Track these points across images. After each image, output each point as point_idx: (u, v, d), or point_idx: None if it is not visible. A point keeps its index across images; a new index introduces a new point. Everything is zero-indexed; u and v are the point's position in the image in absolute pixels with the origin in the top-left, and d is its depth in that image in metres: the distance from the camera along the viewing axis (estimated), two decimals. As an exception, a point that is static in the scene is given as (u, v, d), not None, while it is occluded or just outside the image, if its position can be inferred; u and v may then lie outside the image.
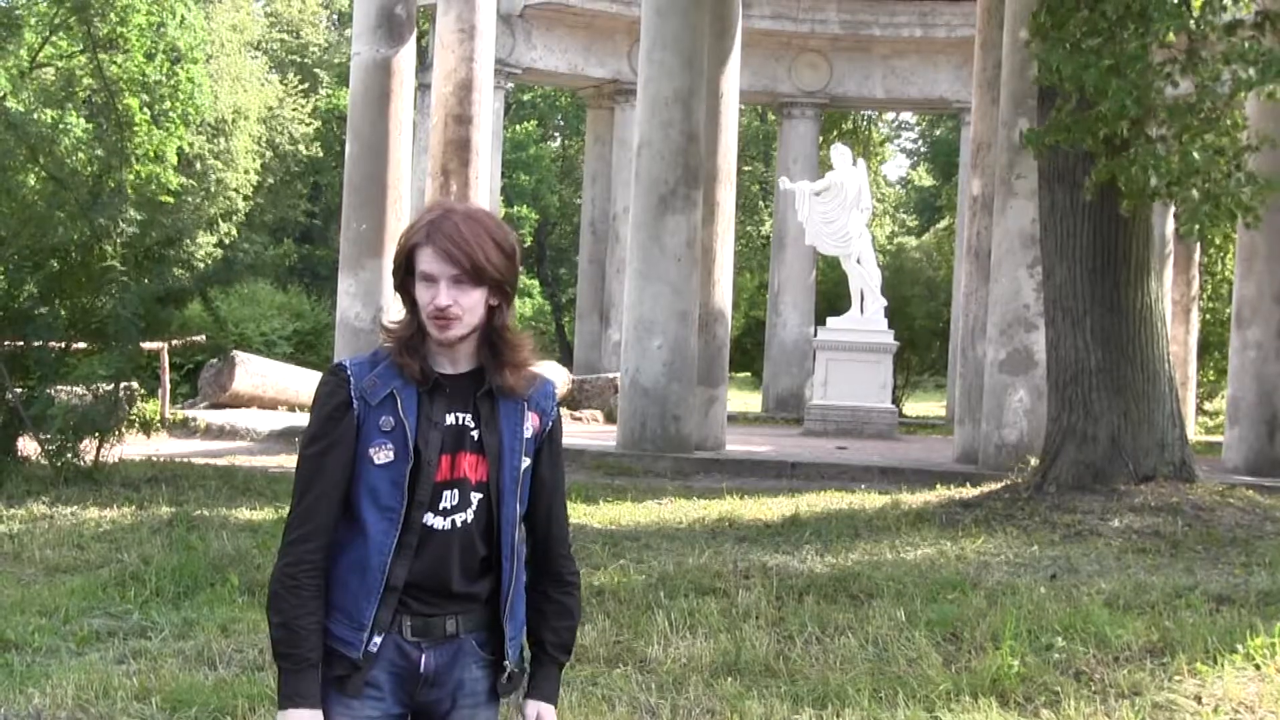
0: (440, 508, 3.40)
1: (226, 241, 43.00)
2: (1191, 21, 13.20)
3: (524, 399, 3.51)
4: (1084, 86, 13.26)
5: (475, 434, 3.45)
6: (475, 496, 3.44)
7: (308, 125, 47.65)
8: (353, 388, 3.38)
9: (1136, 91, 12.90)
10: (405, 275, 3.41)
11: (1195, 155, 13.07)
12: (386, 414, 3.37)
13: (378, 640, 3.38)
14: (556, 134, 62.68)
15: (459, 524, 3.42)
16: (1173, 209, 14.15)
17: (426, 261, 3.34)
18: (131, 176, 18.76)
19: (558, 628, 3.64)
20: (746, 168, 51.84)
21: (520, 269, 3.47)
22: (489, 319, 3.42)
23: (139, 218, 16.24)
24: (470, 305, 3.34)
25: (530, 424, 3.53)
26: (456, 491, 3.42)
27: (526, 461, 3.52)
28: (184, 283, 16.56)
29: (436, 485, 3.40)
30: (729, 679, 7.64)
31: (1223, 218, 14.11)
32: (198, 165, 41.24)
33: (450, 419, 3.43)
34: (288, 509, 3.46)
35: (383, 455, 3.36)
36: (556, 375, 28.90)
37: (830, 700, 7.24)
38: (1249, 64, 12.96)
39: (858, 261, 27.48)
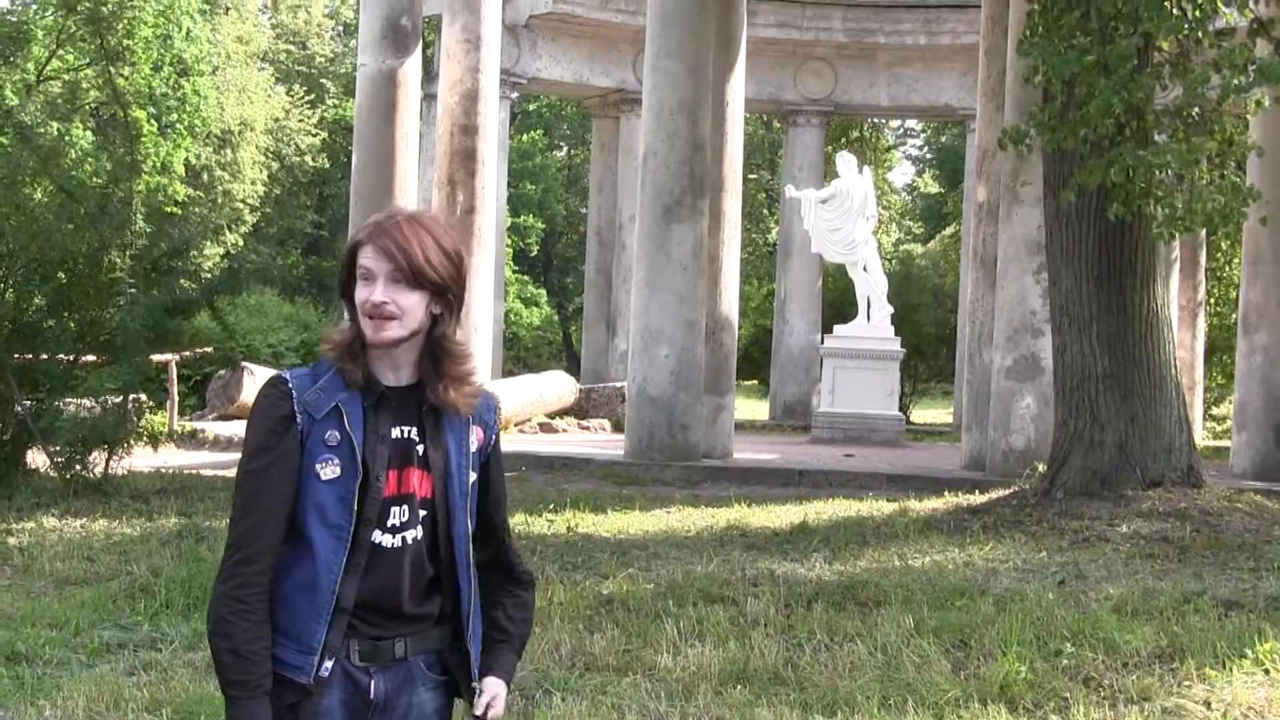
0: (389, 524, 3.31)
1: (234, 252, 43.07)
2: (1185, 26, 13.21)
3: (468, 414, 3.43)
4: (1070, 83, 13.29)
5: (421, 449, 3.36)
6: (422, 513, 3.36)
7: (314, 136, 47.76)
8: (296, 401, 3.26)
9: (1125, 91, 12.92)
10: (348, 278, 3.32)
11: (1180, 153, 13.08)
12: (332, 428, 3.26)
13: (329, 665, 3.26)
14: (562, 143, 62.83)
15: (409, 541, 3.33)
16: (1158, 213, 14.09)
17: (366, 258, 3.25)
18: (140, 188, 18.79)
19: (516, 618, 3.58)
20: (752, 176, 51.91)
21: (465, 279, 3.38)
22: (431, 327, 3.32)
23: (148, 229, 16.27)
24: (408, 307, 3.24)
25: (475, 438, 3.45)
26: (405, 507, 3.33)
27: (473, 476, 3.45)
28: (191, 294, 16.57)
29: (385, 501, 3.29)
30: (738, 687, 7.65)
31: (1199, 224, 14.12)
32: (204, 177, 41.34)
33: (396, 432, 3.33)
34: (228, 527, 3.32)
35: (329, 470, 3.25)
36: (564, 384, 28.93)
37: (839, 707, 7.25)
38: (1239, 70, 12.97)
39: (864, 269, 27.48)
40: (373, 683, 3.32)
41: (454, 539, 3.39)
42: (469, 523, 3.43)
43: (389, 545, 3.31)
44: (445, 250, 3.28)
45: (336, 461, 3.25)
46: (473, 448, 3.45)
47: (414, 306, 3.25)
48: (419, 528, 3.36)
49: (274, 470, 3.24)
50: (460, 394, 3.36)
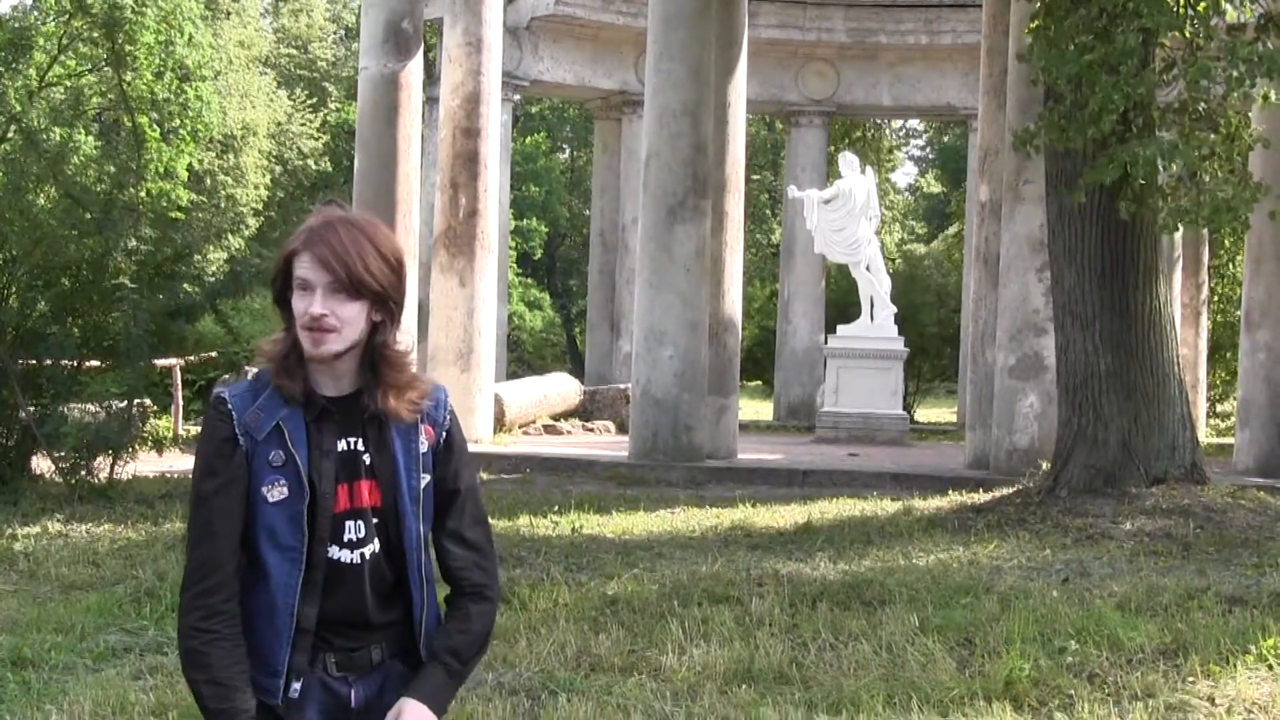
0: (345, 540, 3.23)
1: (238, 256, 43.10)
2: (1187, 25, 13.21)
3: (412, 420, 3.31)
4: (1075, 82, 13.29)
5: (367, 458, 3.27)
6: (375, 522, 3.26)
7: (316, 140, 47.77)
8: (236, 423, 3.19)
9: (1126, 87, 12.92)
10: (283, 286, 3.20)
11: (1173, 148, 13.08)
12: (275, 448, 3.18)
13: (297, 685, 3.21)
14: (565, 146, 62.78)
15: (367, 556, 3.26)
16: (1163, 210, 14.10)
17: (303, 268, 3.14)
18: (144, 194, 18.82)
19: (450, 630, 3.36)
20: (755, 177, 51.85)
21: (405, 284, 3.26)
22: (371, 335, 3.21)
23: (153, 234, 16.28)
24: (348, 318, 3.14)
25: (424, 438, 3.33)
26: (360, 522, 3.25)
27: (426, 478, 3.33)
28: (194, 298, 16.58)
29: (337, 517, 3.22)
30: (743, 686, 7.66)
31: (1206, 219, 14.11)
32: (207, 181, 41.34)
33: (342, 445, 3.24)
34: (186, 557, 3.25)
35: (276, 492, 3.18)
36: (568, 386, 28.92)
37: (844, 706, 7.27)
38: (1245, 64, 12.96)
39: (867, 269, 27.47)
40: (352, 691, 3.28)
41: (405, 546, 3.30)
42: (421, 528, 3.33)
43: (348, 561, 3.24)
44: (385, 256, 3.18)
45: (283, 482, 3.19)
46: (423, 449, 3.34)
47: (354, 317, 3.16)
48: (375, 540, 3.28)
49: (224, 494, 3.18)
50: (401, 401, 3.27)
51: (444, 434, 3.40)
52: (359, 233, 3.17)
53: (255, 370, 3.36)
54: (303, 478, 3.19)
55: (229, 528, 3.17)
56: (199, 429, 3.31)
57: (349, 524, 3.25)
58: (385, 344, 3.24)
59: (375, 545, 3.28)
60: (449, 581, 3.44)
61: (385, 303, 3.20)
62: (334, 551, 3.23)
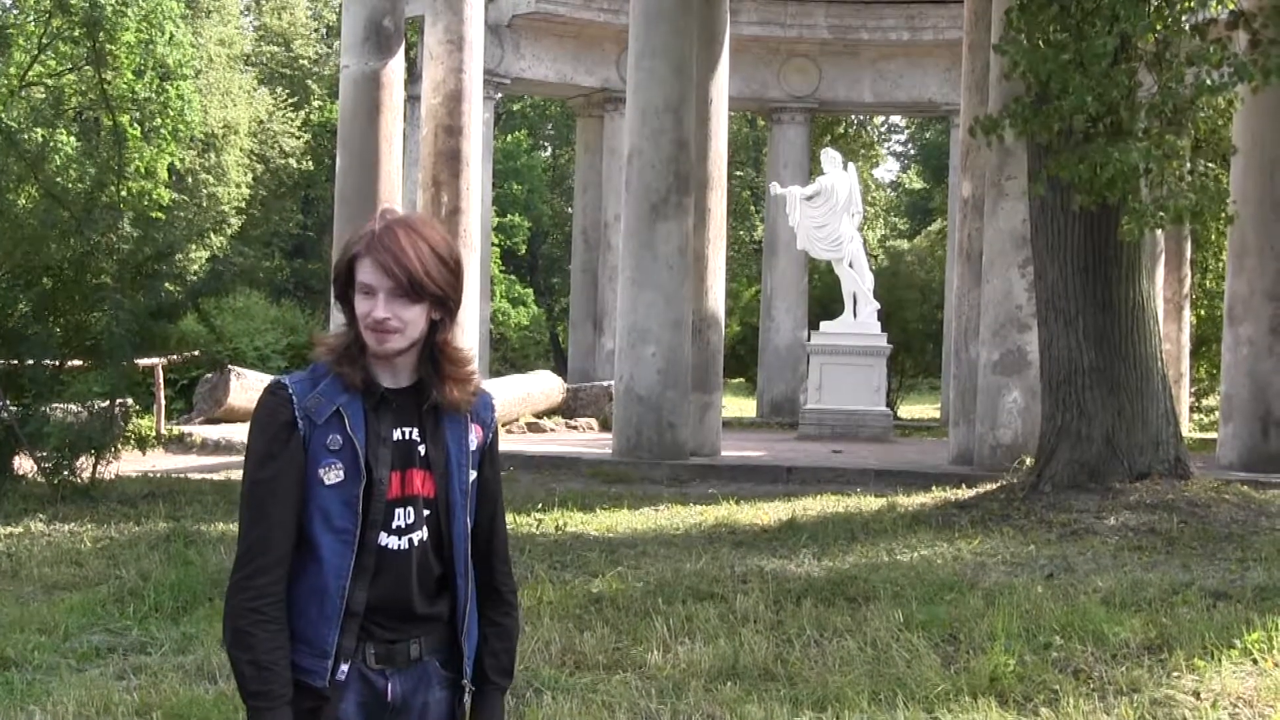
0: (394, 527, 3.32)
1: (220, 255, 43.06)
2: (1159, 25, 13.18)
3: (467, 412, 3.45)
4: (1046, 80, 13.28)
5: (422, 449, 3.37)
6: (426, 513, 3.37)
7: (298, 138, 47.69)
8: (296, 406, 3.27)
9: (1099, 89, 12.91)
10: (345, 286, 3.32)
11: (1145, 153, 13.06)
12: (334, 432, 3.26)
13: (344, 668, 3.28)
14: (547, 143, 62.76)
15: (415, 543, 3.34)
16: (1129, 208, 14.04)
17: (365, 273, 3.25)
18: (125, 193, 18.80)
19: (497, 650, 3.55)
20: (737, 173, 51.91)
21: (463, 283, 3.38)
22: (430, 333, 3.33)
23: (135, 234, 16.25)
24: (410, 319, 3.25)
25: (474, 435, 3.47)
26: (410, 509, 3.34)
27: (473, 474, 3.46)
28: (176, 297, 16.55)
29: (389, 503, 3.30)
30: (728, 684, 7.65)
31: (1170, 221, 14.08)
32: (189, 180, 41.28)
33: (398, 434, 3.34)
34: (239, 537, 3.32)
35: (333, 475, 3.26)
36: (551, 384, 28.90)
37: (829, 703, 7.26)
38: (1213, 67, 12.97)
39: (850, 265, 27.48)
40: (389, 685, 3.34)
41: (454, 538, 3.40)
42: (468, 521, 3.43)
43: (395, 547, 3.32)
44: (443, 258, 3.28)
45: (339, 466, 3.26)
46: (472, 446, 3.46)
47: (415, 318, 3.26)
48: (424, 528, 3.37)
49: (280, 478, 3.25)
50: (464, 393, 3.39)
51: (490, 435, 3.55)
52: (418, 237, 3.27)
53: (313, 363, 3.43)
54: (360, 462, 3.27)
55: (282, 512, 3.25)
56: (252, 415, 3.33)
57: (399, 511, 3.34)
58: (446, 341, 3.37)
59: (423, 533, 3.37)
60: (491, 586, 3.59)
61: (444, 303, 3.32)
62: (383, 538, 3.31)
